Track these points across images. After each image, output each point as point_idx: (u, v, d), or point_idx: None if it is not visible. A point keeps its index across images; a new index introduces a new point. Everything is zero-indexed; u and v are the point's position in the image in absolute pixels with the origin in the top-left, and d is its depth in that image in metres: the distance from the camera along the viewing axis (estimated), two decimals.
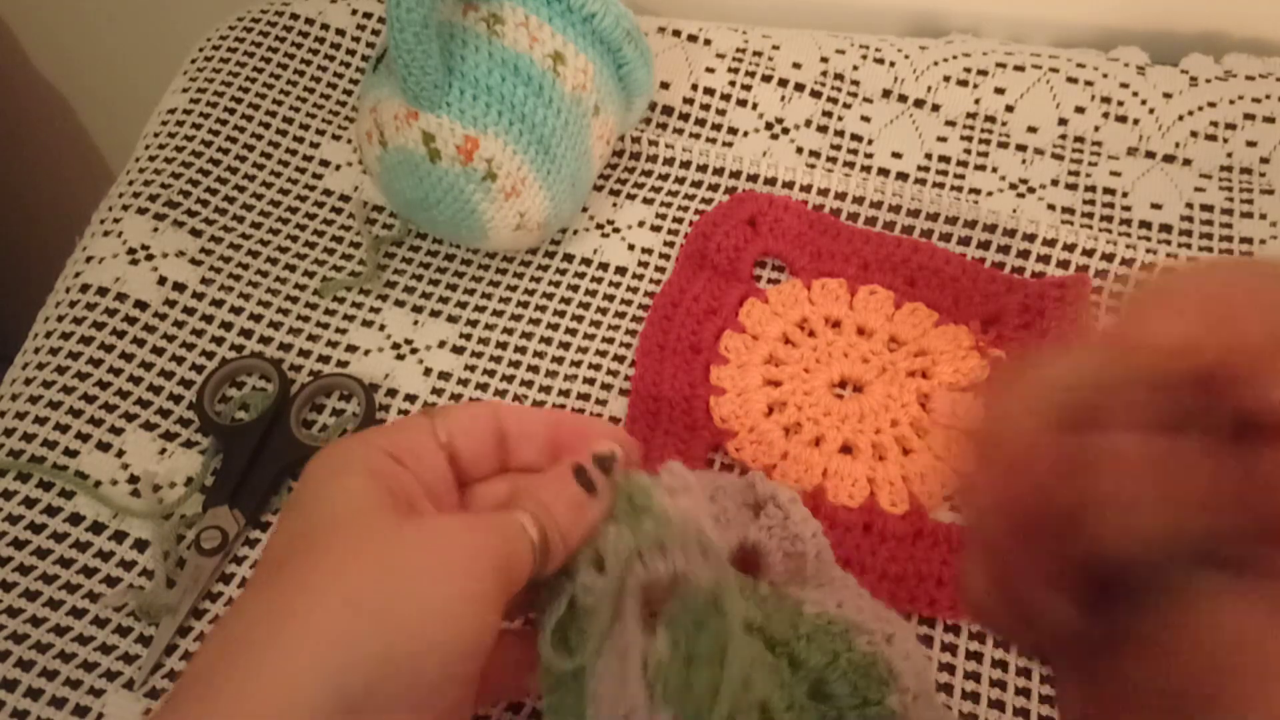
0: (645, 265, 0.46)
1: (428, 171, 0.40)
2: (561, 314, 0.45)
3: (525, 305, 0.45)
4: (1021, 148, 0.50)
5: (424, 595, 0.24)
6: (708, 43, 0.53)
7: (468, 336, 0.44)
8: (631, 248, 0.47)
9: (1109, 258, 0.45)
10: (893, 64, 0.52)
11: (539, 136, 0.41)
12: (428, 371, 0.43)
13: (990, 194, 0.49)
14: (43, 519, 0.39)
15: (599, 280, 0.46)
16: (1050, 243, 0.45)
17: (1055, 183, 0.49)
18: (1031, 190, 0.49)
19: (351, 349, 0.44)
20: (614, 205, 0.48)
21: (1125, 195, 0.48)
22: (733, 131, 0.51)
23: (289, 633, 0.23)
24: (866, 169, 0.50)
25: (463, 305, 0.45)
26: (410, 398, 0.42)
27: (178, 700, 0.23)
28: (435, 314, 0.45)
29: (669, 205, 0.48)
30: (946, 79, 0.51)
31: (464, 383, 0.43)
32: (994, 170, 0.49)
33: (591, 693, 0.26)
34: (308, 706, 0.22)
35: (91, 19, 0.73)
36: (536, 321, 0.45)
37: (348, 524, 0.25)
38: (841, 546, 0.37)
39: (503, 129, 0.40)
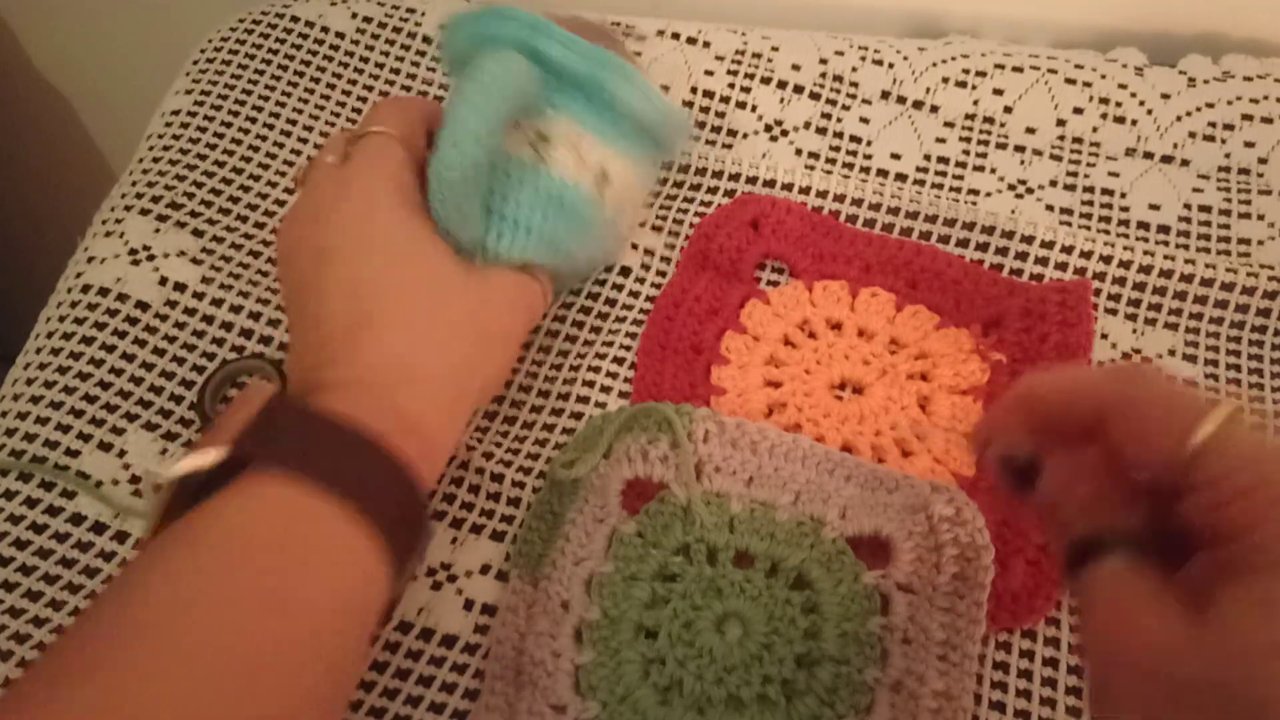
0: (646, 267, 0.46)
1: None
2: (562, 317, 0.45)
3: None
4: (1020, 149, 0.50)
5: (496, 355, 0.37)
6: (706, 45, 0.53)
7: None
8: (634, 248, 0.47)
9: (1107, 259, 0.45)
10: (891, 65, 0.52)
11: (567, 254, 0.40)
12: None
13: (989, 195, 0.49)
14: (44, 519, 0.39)
15: (600, 282, 0.46)
16: (1049, 244, 0.45)
17: (1054, 183, 0.49)
18: (1030, 191, 0.49)
19: None
20: None
21: (1124, 196, 0.49)
22: (732, 134, 0.51)
23: (445, 362, 0.35)
24: (866, 170, 0.50)
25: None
26: None
27: (375, 394, 0.32)
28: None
29: (669, 207, 0.48)
30: (945, 80, 0.52)
31: None
32: (993, 171, 0.50)
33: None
34: (459, 415, 0.35)
35: (94, 20, 0.73)
36: (537, 323, 0.45)
37: (437, 279, 0.35)
38: None
39: (537, 256, 0.39)
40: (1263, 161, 0.49)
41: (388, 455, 0.30)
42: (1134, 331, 0.44)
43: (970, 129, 0.51)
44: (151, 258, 0.46)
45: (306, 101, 0.52)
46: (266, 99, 0.52)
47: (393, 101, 0.39)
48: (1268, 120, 0.50)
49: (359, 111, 0.52)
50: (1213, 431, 0.22)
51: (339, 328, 0.33)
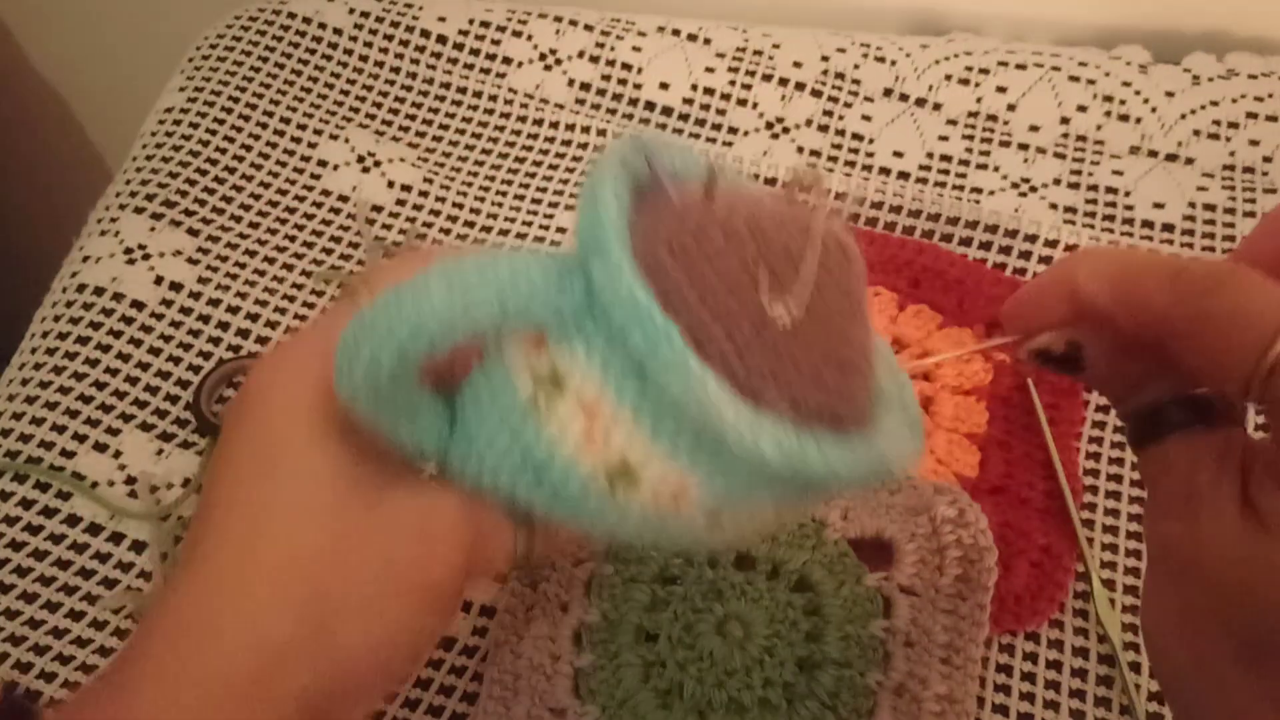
0: None
1: None
2: None
3: None
4: (1023, 146, 0.50)
5: (371, 622, 0.23)
6: (707, 42, 0.52)
7: None
8: None
9: None
10: (894, 63, 0.52)
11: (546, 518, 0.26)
12: None
13: (992, 193, 0.48)
14: (40, 520, 0.39)
15: None
16: (1052, 243, 0.45)
17: (1057, 182, 0.49)
18: (1033, 189, 0.49)
19: None
20: None
21: (1127, 194, 0.48)
22: (733, 131, 0.51)
23: (228, 637, 0.22)
24: (868, 168, 0.49)
25: None
26: None
27: (120, 677, 0.22)
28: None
29: None
30: (948, 78, 0.51)
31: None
32: (996, 169, 0.49)
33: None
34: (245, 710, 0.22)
35: (90, 18, 0.72)
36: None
37: (296, 503, 0.23)
38: None
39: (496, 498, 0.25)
40: (1267, 160, 0.49)
41: None
42: None
43: (973, 127, 0.51)
44: (147, 257, 0.45)
45: (303, 99, 0.52)
46: (262, 96, 0.51)
47: (411, 258, 0.28)
48: (1272, 118, 0.49)
49: (356, 110, 0.52)
50: None
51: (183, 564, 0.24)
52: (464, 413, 0.24)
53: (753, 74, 0.52)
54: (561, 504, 0.23)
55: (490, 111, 0.52)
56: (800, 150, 0.50)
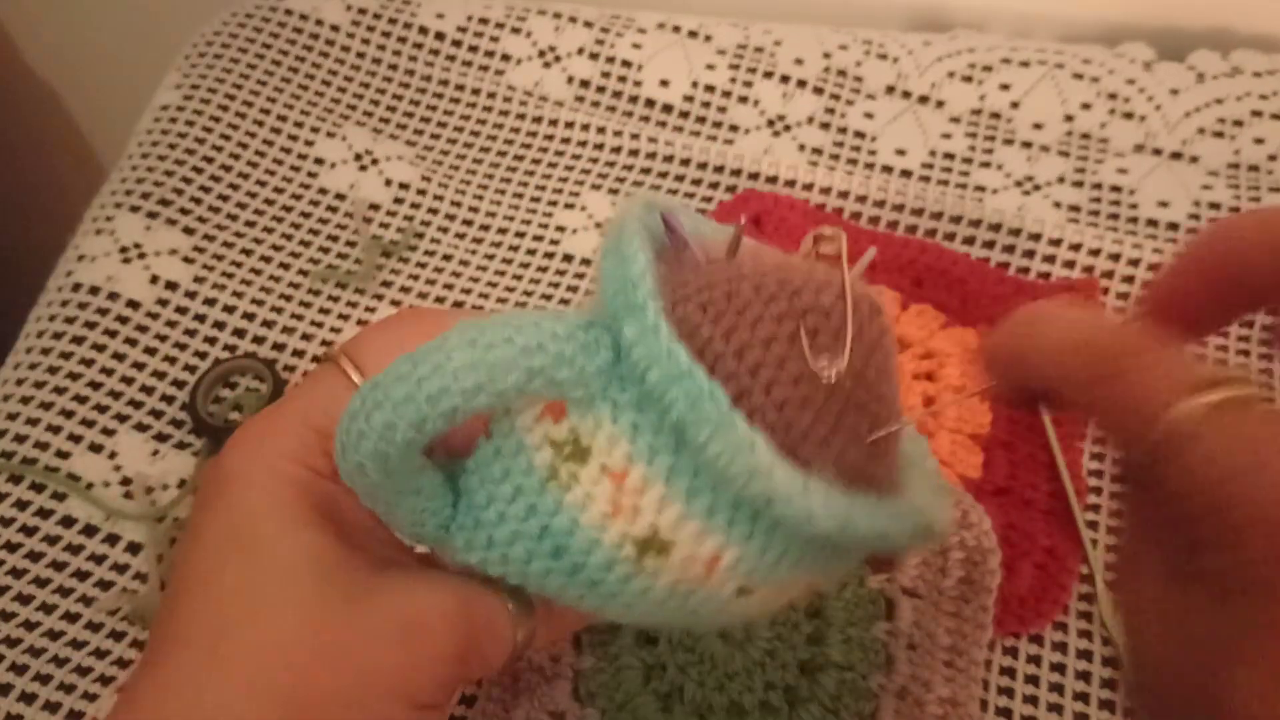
0: None
1: None
2: None
3: (524, 305, 0.44)
4: (1027, 144, 0.50)
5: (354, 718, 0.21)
6: (708, 39, 0.52)
7: None
8: None
9: (1115, 257, 0.44)
10: (896, 60, 0.51)
11: (559, 598, 0.24)
12: None
13: (995, 191, 0.48)
14: (35, 521, 0.38)
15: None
16: (1056, 242, 0.45)
17: (1061, 180, 0.48)
18: (1037, 188, 0.48)
19: None
20: (613, 204, 0.48)
21: (1132, 193, 0.48)
22: (734, 129, 0.50)
23: None
24: (870, 166, 0.49)
25: (460, 305, 0.45)
26: None
27: None
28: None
29: None
30: (951, 75, 0.51)
31: None
32: (999, 167, 0.49)
33: None
34: None
35: (84, 15, 0.72)
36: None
37: (273, 590, 0.22)
38: None
39: (501, 574, 0.24)
40: (1272, 158, 0.48)
41: None
42: None
43: (976, 125, 0.50)
44: (143, 255, 0.45)
45: (300, 96, 0.51)
46: (258, 93, 0.51)
47: (393, 322, 0.26)
48: (1277, 116, 0.49)
49: (353, 107, 0.52)
50: (1198, 405, 0.18)
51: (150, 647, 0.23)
52: (470, 488, 0.22)
53: (754, 71, 0.51)
54: (581, 579, 0.22)
55: (489, 109, 0.51)
56: (802, 148, 0.50)
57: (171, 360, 0.43)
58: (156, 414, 0.41)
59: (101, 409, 0.41)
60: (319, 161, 0.49)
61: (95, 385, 0.41)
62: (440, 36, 0.53)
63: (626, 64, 0.51)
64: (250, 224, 0.47)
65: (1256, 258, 0.21)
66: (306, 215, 0.48)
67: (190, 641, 0.22)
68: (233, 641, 0.22)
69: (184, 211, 0.47)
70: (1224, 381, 0.19)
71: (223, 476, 0.24)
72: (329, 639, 0.22)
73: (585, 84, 0.52)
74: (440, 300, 0.45)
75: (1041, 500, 0.38)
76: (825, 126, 0.50)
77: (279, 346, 0.43)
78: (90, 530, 0.39)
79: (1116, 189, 0.48)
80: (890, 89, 0.51)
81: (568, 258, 0.46)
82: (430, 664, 0.22)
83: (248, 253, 0.46)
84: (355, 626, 0.22)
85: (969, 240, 0.46)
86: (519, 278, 0.45)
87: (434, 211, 0.48)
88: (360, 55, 0.53)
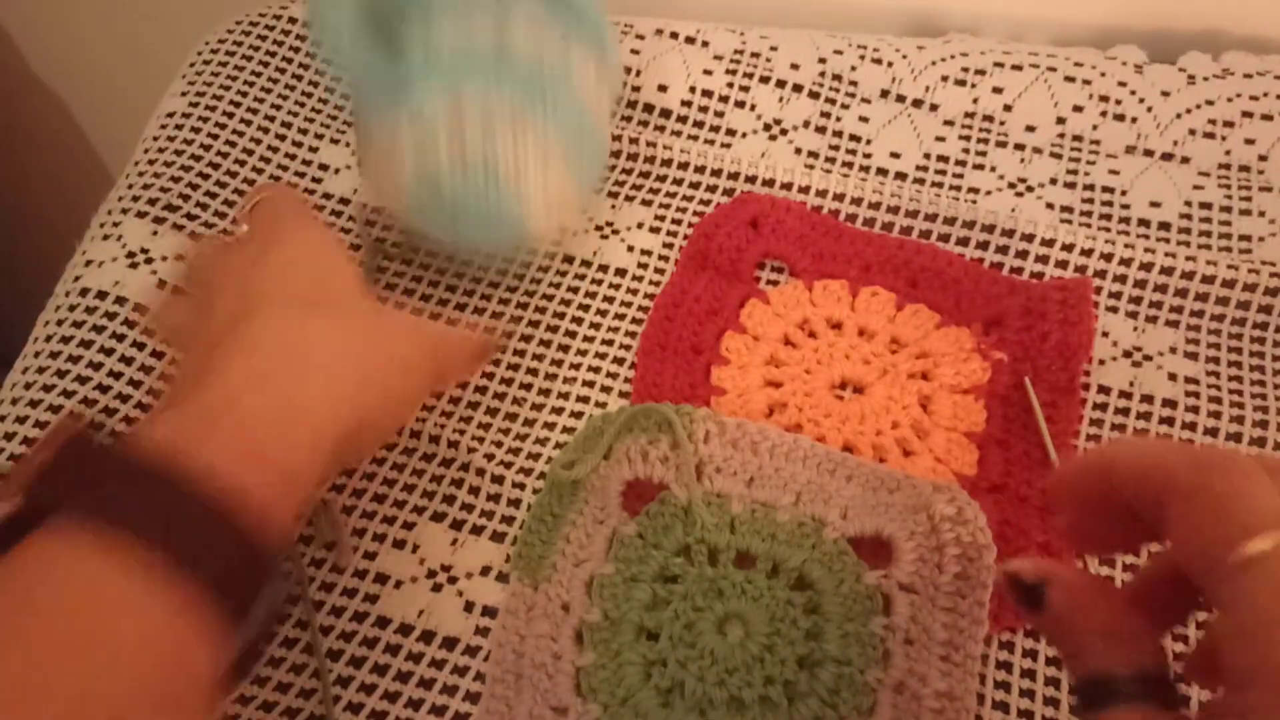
0: (644, 267, 0.46)
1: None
2: (561, 315, 0.45)
3: (524, 307, 0.45)
4: (1020, 147, 0.50)
5: (391, 382, 0.34)
6: (705, 44, 0.53)
7: None
8: (631, 249, 0.47)
9: (1107, 257, 0.45)
10: (891, 64, 0.52)
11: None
12: None
13: (989, 193, 0.49)
14: None
15: (598, 282, 0.46)
16: (1049, 242, 0.45)
17: (1054, 181, 0.49)
18: (1030, 189, 0.49)
19: None
20: (613, 207, 0.48)
21: (1124, 193, 0.48)
22: (731, 133, 0.51)
23: (313, 384, 0.31)
24: (865, 169, 0.50)
25: (461, 307, 0.45)
26: None
27: (214, 414, 0.29)
28: (434, 317, 0.45)
29: (667, 207, 0.48)
30: (944, 78, 0.51)
31: (462, 384, 0.43)
32: (993, 169, 0.49)
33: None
34: (324, 442, 0.31)
35: (91, 22, 0.73)
36: (536, 324, 0.45)
37: (347, 297, 0.35)
38: None
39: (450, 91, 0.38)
40: (1263, 158, 0.49)
41: (211, 499, 0.26)
42: (1135, 329, 0.44)
43: (970, 127, 0.51)
44: (149, 260, 0.45)
45: (304, 103, 0.52)
46: (264, 100, 0.52)
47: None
48: (1268, 117, 0.49)
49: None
50: (1267, 543, 0.19)
51: (218, 346, 0.31)
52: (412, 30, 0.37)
53: (750, 76, 0.52)
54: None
55: None
56: (798, 151, 0.50)
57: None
58: None
59: (109, 412, 0.41)
60: (323, 167, 0.50)
61: (103, 388, 0.42)
62: None
63: (625, 69, 0.52)
64: None
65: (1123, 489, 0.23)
66: None
67: (284, 327, 0.32)
68: (318, 319, 0.33)
69: (190, 217, 0.47)
70: None
71: (281, 216, 0.36)
72: (379, 335, 0.35)
73: None
74: (442, 303, 0.45)
75: (1036, 497, 0.38)
76: (821, 130, 0.51)
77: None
78: None
79: (1109, 190, 0.49)
80: (885, 93, 0.52)
81: (568, 259, 0.47)
82: (417, 389, 0.38)
83: None
84: (386, 328, 0.36)
85: (963, 241, 0.46)
86: (520, 278, 0.46)
87: None
88: None
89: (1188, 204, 0.48)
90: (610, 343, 0.44)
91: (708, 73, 0.52)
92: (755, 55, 0.52)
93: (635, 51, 0.52)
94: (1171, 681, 0.22)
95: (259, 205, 0.37)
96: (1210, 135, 0.50)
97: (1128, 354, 0.43)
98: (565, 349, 0.44)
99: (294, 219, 0.36)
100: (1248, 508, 0.20)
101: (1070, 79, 0.51)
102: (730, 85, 0.52)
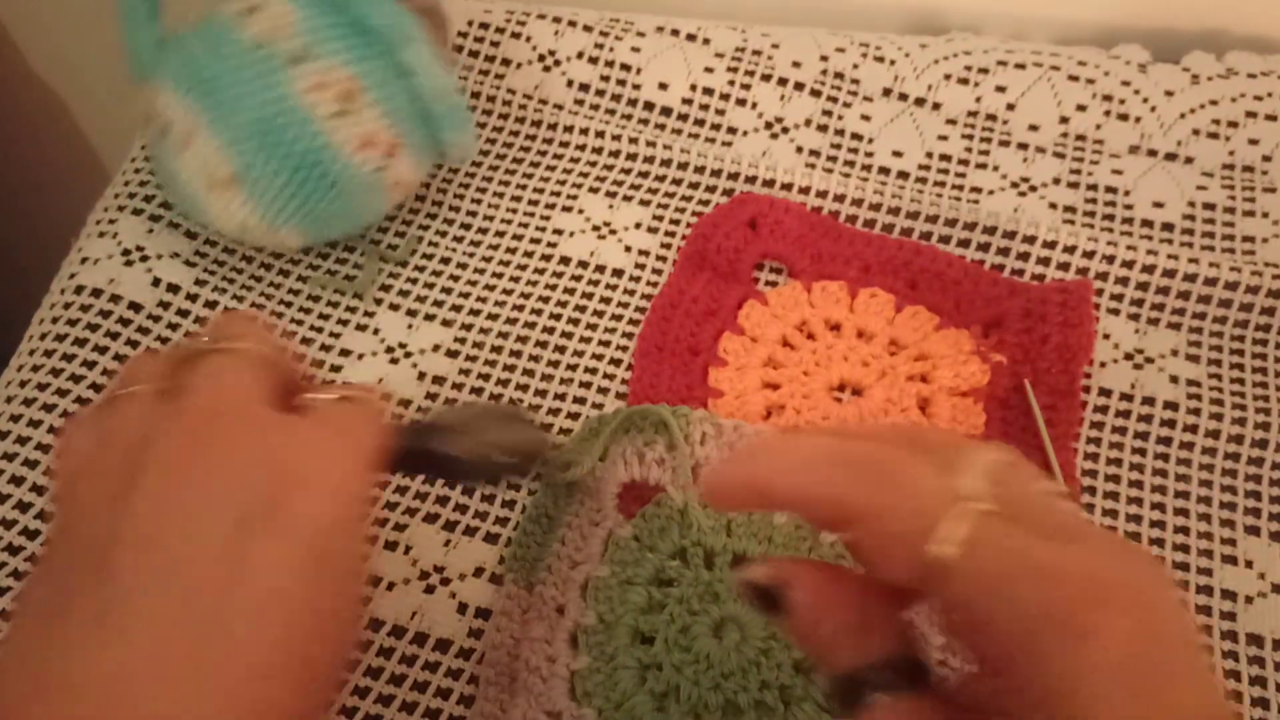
0: (642, 267, 0.46)
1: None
2: (558, 316, 0.44)
3: (521, 308, 0.45)
4: (1023, 146, 0.50)
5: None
6: (706, 42, 0.52)
7: (462, 340, 0.44)
8: (628, 249, 0.46)
9: (1109, 259, 0.45)
10: (893, 62, 0.52)
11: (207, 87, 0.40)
12: (421, 376, 0.43)
13: (991, 193, 0.48)
14: (37, 525, 0.39)
15: (595, 283, 0.45)
16: (1050, 244, 0.45)
17: (1057, 181, 0.49)
18: (1033, 189, 0.48)
19: (345, 353, 0.44)
20: (610, 207, 0.48)
21: (1127, 194, 0.48)
22: (732, 131, 0.51)
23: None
24: (867, 168, 0.49)
25: (458, 308, 0.45)
26: (404, 403, 0.42)
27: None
28: (430, 317, 0.45)
29: (666, 206, 0.48)
30: (947, 77, 0.51)
31: (458, 386, 0.43)
32: (995, 169, 0.49)
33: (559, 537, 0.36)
34: None
35: (88, 19, 0.72)
36: (532, 325, 0.44)
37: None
38: None
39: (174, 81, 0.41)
40: (1267, 159, 0.49)
41: None
42: (1136, 332, 0.44)
43: (972, 126, 0.50)
44: (145, 259, 0.45)
45: None
46: None
47: (244, 314, 0.36)
48: (1272, 117, 0.49)
49: None
50: (950, 540, 0.19)
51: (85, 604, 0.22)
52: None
53: (752, 74, 0.52)
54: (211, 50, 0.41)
55: (489, 113, 0.52)
56: (799, 150, 0.50)
57: None
58: None
59: None
60: None
61: (97, 386, 0.42)
62: None
63: (626, 67, 0.52)
64: None
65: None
66: None
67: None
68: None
69: (186, 215, 0.47)
70: (971, 498, 0.19)
71: (219, 411, 0.26)
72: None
73: (585, 88, 0.52)
74: (438, 304, 0.45)
75: None
76: (823, 129, 0.51)
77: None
78: None
79: (1111, 190, 0.48)
80: (887, 91, 0.51)
81: (564, 259, 0.46)
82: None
83: (249, 258, 0.46)
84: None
85: (963, 243, 0.46)
86: (516, 279, 0.46)
87: (433, 216, 0.48)
88: None
89: (1191, 204, 0.48)
90: (607, 343, 0.44)
91: (709, 70, 0.52)
92: (757, 53, 0.52)
93: (636, 49, 0.52)
94: (920, 660, 0.22)
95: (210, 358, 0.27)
96: (1214, 135, 0.49)
97: (1129, 356, 0.43)
98: (562, 349, 0.43)
99: (234, 419, 0.25)
100: (915, 509, 0.20)
101: (1073, 78, 0.50)
102: (731, 83, 0.51)
